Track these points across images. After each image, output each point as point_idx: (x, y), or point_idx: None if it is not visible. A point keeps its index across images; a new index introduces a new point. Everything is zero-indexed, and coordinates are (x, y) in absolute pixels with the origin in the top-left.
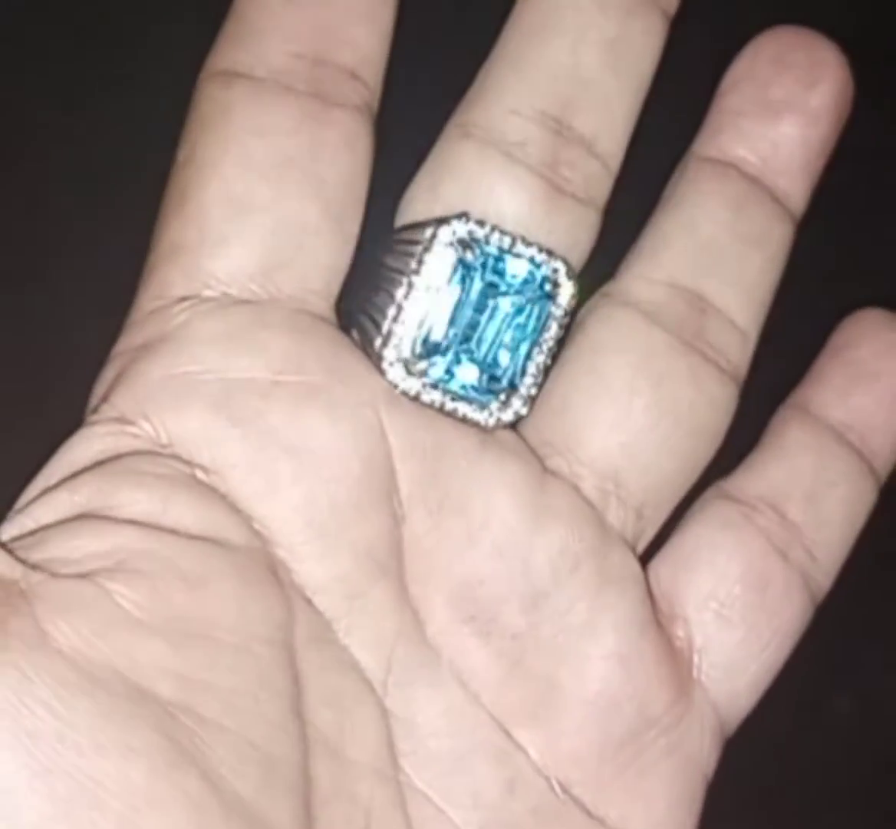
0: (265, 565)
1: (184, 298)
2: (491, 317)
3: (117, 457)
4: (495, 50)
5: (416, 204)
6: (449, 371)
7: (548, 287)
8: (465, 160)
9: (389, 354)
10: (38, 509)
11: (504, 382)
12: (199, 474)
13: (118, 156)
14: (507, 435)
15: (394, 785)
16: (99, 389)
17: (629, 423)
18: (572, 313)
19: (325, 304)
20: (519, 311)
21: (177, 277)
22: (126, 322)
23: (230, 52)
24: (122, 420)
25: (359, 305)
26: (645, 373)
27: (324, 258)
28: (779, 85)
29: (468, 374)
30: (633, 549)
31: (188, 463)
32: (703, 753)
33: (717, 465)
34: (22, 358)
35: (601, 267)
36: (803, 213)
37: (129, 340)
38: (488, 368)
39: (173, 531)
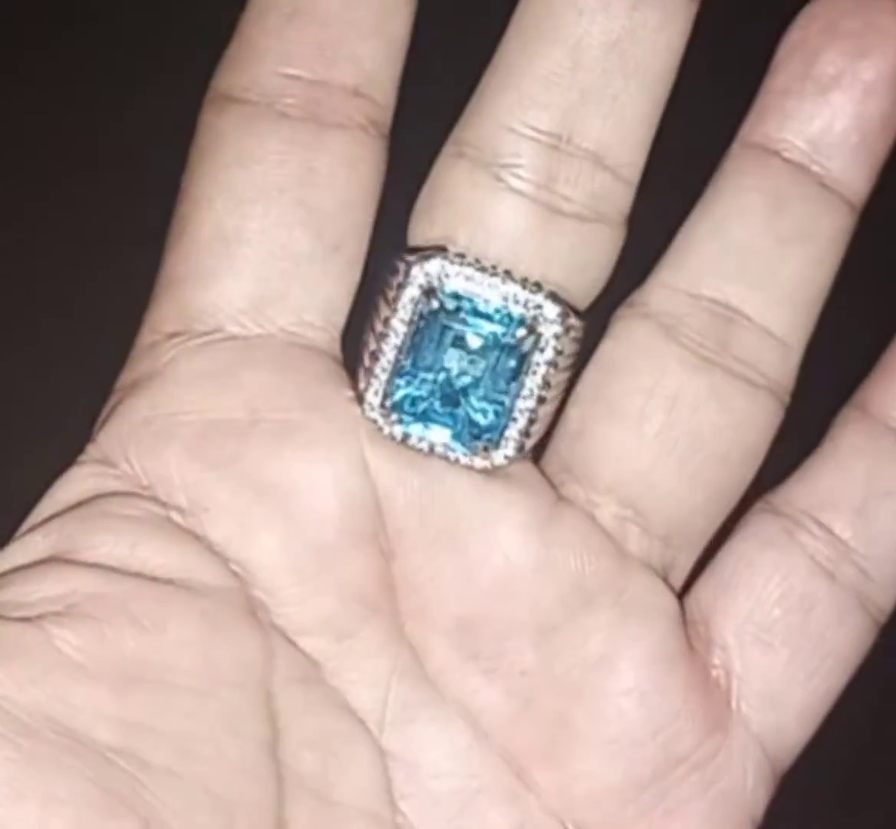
0: (239, 607)
1: (175, 334)
2: (464, 368)
3: (93, 499)
4: (493, 60)
5: (416, 227)
6: (424, 429)
7: (524, 331)
8: (457, 183)
9: (370, 398)
10: (14, 551)
11: (484, 437)
12: (175, 517)
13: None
14: (519, 467)
15: (390, 828)
16: (97, 425)
17: (642, 450)
18: (573, 344)
19: (324, 335)
20: (495, 359)
21: (170, 313)
22: (129, 356)
23: (228, 74)
24: (104, 462)
25: (360, 336)
26: (657, 395)
27: (320, 288)
28: (827, 58)
29: (440, 436)
30: (665, 578)
31: (164, 505)
32: (746, 791)
33: (771, 476)
34: (32, 381)
35: (636, 273)
36: (865, 197)
37: (125, 376)
38: (466, 424)
39: (138, 574)
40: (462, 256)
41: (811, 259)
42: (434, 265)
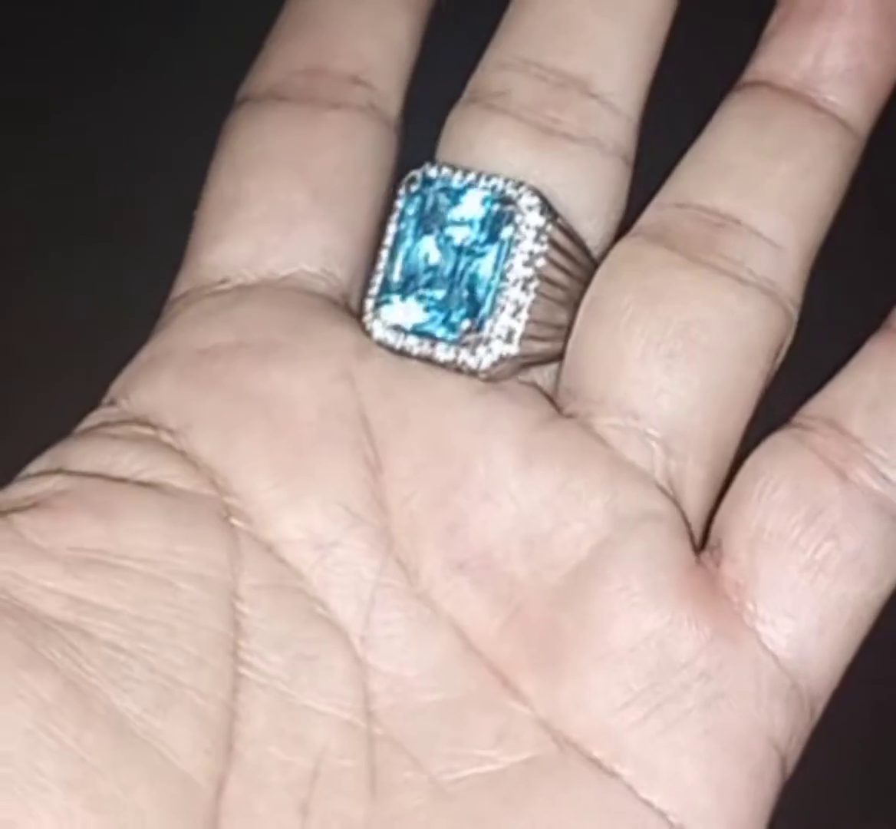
0: (209, 510)
1: (185, 294)
2: (449, 258)
3: (91, 428)
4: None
5: None
6: (403, 305)
7: (505, 218)
8: (452, 120)
9: (367, 303)
10: (23, 474)
11: (468, 317)
12: (164, 436)
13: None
14: (517, 386)
15: (361, 736)
16: None
17: (630, 349)
18: (557, 243)
19: (325, 283)
20: (479, 248)
21: (183, 277)
22: None
23: (244, 84)
24: (110, 403)
25: None
26: (642, 294)
27: (316, 241)
28: None
29: (432, 324)
30: (673, 487)
31: (154, 428)
32: (761, 710)
33: None
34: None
35: None
36: (865, 119)
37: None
38: (456, 309)
39: (112, 478)
40: (451, 164)
41: (797, 168)
42: (423, 169)
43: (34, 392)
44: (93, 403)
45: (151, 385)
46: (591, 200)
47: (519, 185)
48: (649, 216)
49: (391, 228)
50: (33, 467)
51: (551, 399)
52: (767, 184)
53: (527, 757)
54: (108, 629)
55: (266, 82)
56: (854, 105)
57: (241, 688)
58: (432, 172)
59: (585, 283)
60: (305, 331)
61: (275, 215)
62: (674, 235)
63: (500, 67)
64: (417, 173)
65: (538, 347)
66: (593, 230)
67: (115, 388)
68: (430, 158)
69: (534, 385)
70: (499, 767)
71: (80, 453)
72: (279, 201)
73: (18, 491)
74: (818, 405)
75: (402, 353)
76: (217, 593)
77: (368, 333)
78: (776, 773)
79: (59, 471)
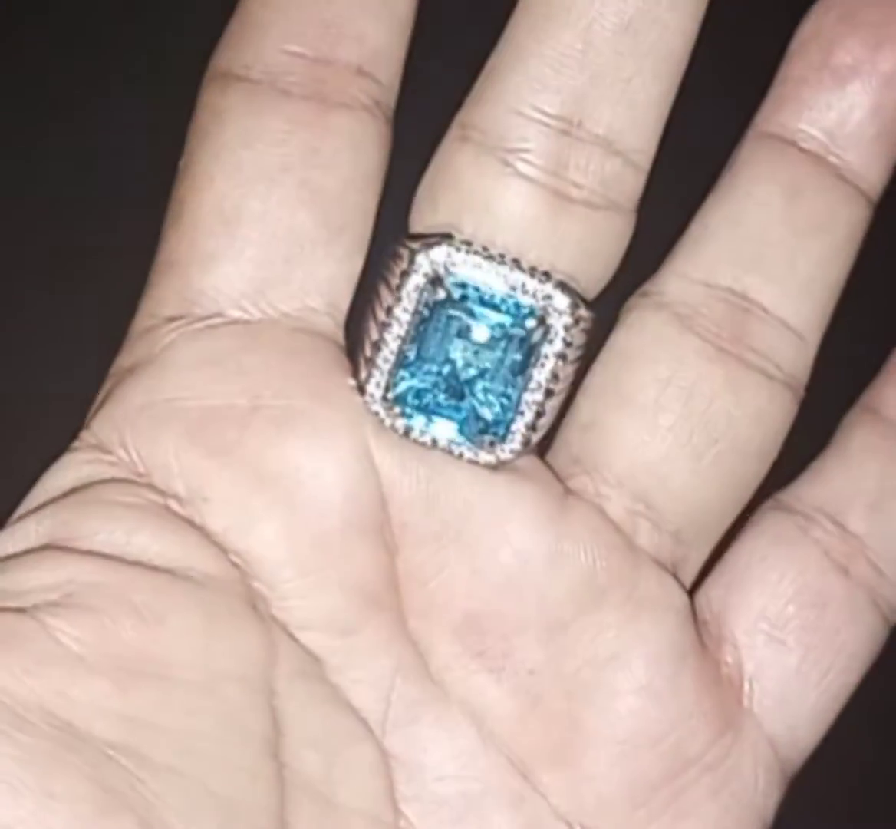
0: (241, 599)
1: (174, 318)
2: (470, 359)
3: (89, 485)
4: (500, 41)
5: (419, 213)
6: (427, 423)
7: (533, 322)
8: (462, 168)
9: (372, 390)
10: (6, 538)
11: (490, 431)
12: (173, 505)
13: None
14: (525, 461)
15: None
16: (91, 411)
17: (656, 441)
18: (582, 335)
19: (328, 320)
20: (503, 350)
21: (168, 296)
22: (124, 341)
23: (230, 51)
24: (99, 447)
25: (361, 323)
26: (672, 386)
27: (323, 272)
28: (845, 47)
29: (445, 429)
30: (674, 574)
31: (162, 493)
32: (756, 793)
33: (782, 475)
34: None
35: (647, 263)
36: (881, 191)
37: (121, 360)
38: (472, 418)
39: (136, 563)
40: (468, 243)
41: (828, 251)
42: (440, 253)
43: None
44: None
45: (155, 441)
46: (605, 265)
47: (548, 278)
48: (676, 290)
49: (401, 314)
50: (27, 533)
51: (550, 466)
52: (798, 268)
53: None
54: (162, 750)
55: (261, 63)
56: (877, 174)
57: (288, 794)
58: (455, 257)
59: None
60: (322, 396)
61: (280, 240)
62: (705, 321)
63: (515, 114)
64: (438, 258)
65: (547, 428)
66: (596, 287)
67: (104, 429)
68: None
69: (534, 455)
70: None
71: (89, 526)
72: (284, 223)
73: (33, 575)
74: (818, 496)
75: (414, 440)
76: (258, 693)
77: (376, 416)
78: None
79: (67, 547)
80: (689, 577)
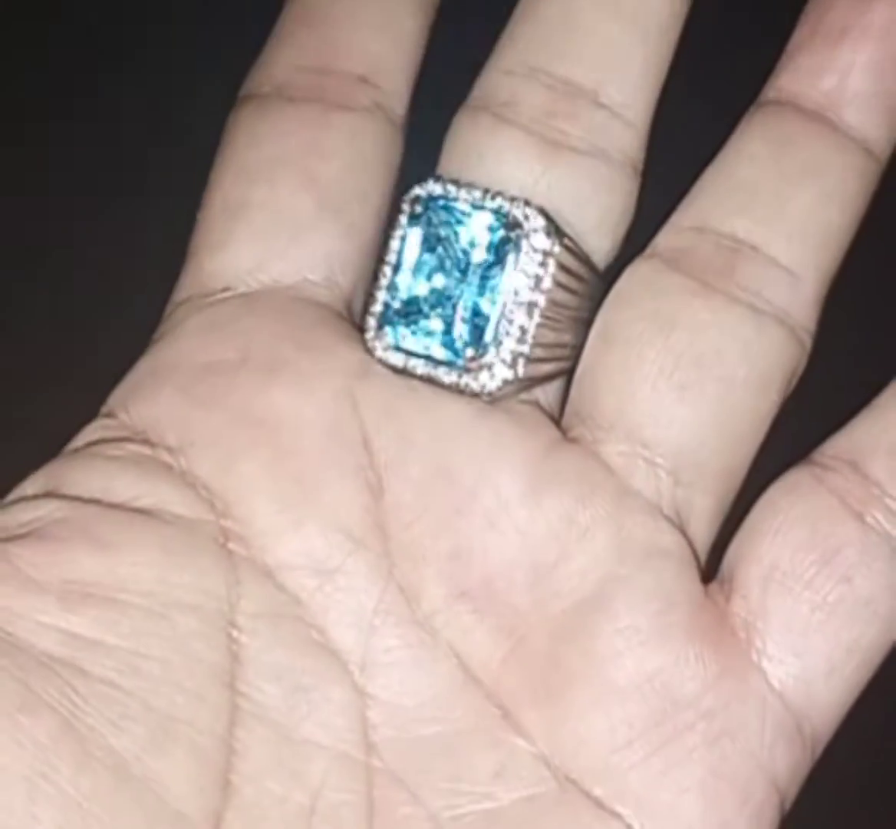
0: (206, 537)
1: (187, 299)
2: (454, 280)
3: (86, 445)
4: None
5: None
6: (410, 335)
7: (512, 241)
8: (458, 129)
9: (370, 321)
10: (16, 493)
11: (472, 344)
12: (163, 456)
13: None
14: (520, 406)
15: (359, 769)
16: None
17: (642, 377)
18: (564, 264)
19: (328, 292)
20: (485, 271)
21: (184, 282)
22: None
23: (248, 80)
24: (108, 415)
25: None
26: (655, 321)
27: (321, 248)
28: (835, 12)
29: (434, 347)
30: (675, 518)
31: (154, 446)
32: (762, 746)
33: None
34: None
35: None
36: (888, 147)
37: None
38: (456, 333)
39: (108, 505)
40: (456, 181)
41: (819, 195)
42: (427, 186)
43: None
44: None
45: (152, 399)
46: (598, 214)
47: (526, 205)
48: (666, 238)
49: (394, 246)
50: (29, 488)
51: (555, 420)
52: (788, 210)
53: (527, 795)
54: (105, 666)
55: (271, 80)
56: (877, 130)
57: (239, 722)
58: (437, 190)
59: (593, 299)
60: (309, 347)
61: (280, 222)
62: (691, 261)
63: (506, 74)
64: (421, 191)
65: (544, 368)
66: (600, 243)
67: (115, 398)
68: (434, 159)
69: (536, 405)
70: (499, 804)
71: (77, 476)
72: (285, 208)
73: (13, 516)
74: (839, 445)
75: (405, 372)
76: (214, 624)
77: (371, 352)
78: (775, 813)
79: (54, 495)
80: (701, 524)
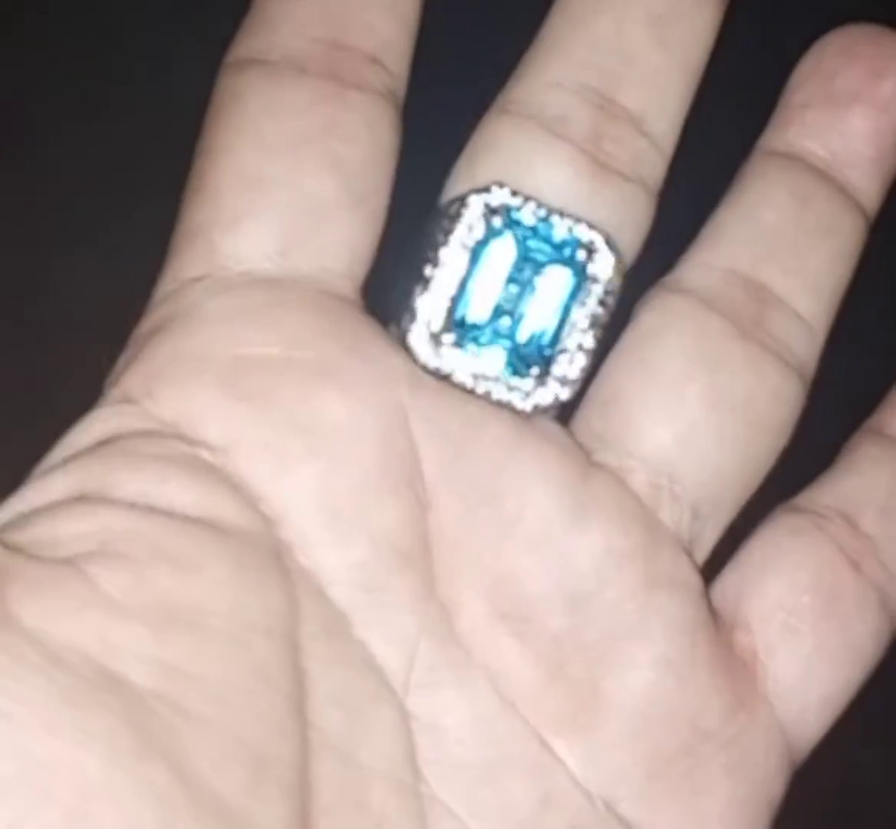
0: (268, 551)
1: (198, 279)
2: (521, 291)
3: (115, 438)
4: (539, 35)
5: (455, 184)
6: (476, 349)
7: (582, 257)
8: (503, 135)
9: (417, 329)
10: (31, 492)
11: (536, 362)
12: (204, 454)
13: (132, 153)
14: (550, 425)
15: (413, 795)
16: (112, 375)
17: (683, 411)
18: (617, 293)
19: (347, 284)
20: (552, 285)
21: (192, 259)
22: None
23: (246, 41)
24: (127, 401)
25: (394, 287)
26: (699, 358)
27: (344, 236)
28: (846, 76)
29: (495, 355)
30: (688, 551)
31: (192, 442)
32: (767, 775)
33: (788, 487)
34: (32, 353)
35: (661, 263)
36: (876, 211)
37: (142, 326)
38: (519, 347)
39: (167, 513)
40: (517, 192)
41: (835, 253)
42: (494, 195)
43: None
44: None
45: (184, 390)
46: (631, 239)
47: (594, 228)
48: (698, 276)
49: (454, 248)
50: (55, 487)
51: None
52: (809, 264)
53: (569, 824)
54: (195, 698)
55: (281, 46)
56: (873, 193)
57: (311, 751)
58: (512, 201)
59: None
60: (356, 351)
61: (303, 204)
62: (727, 305)
63: (555, 87)
64: (494, 200)
65: (576, 388)
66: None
67: (132, 382)
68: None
69: (560, 424)
70: None
71: (120, 477)
72: (308, 188)
73: (64, 525)
74: (831, 496)
75: (453, 383)
76: (283, 647)
77: (416, 359)
78: (767, 825)
79: (99, 499)
80: (701, 556)
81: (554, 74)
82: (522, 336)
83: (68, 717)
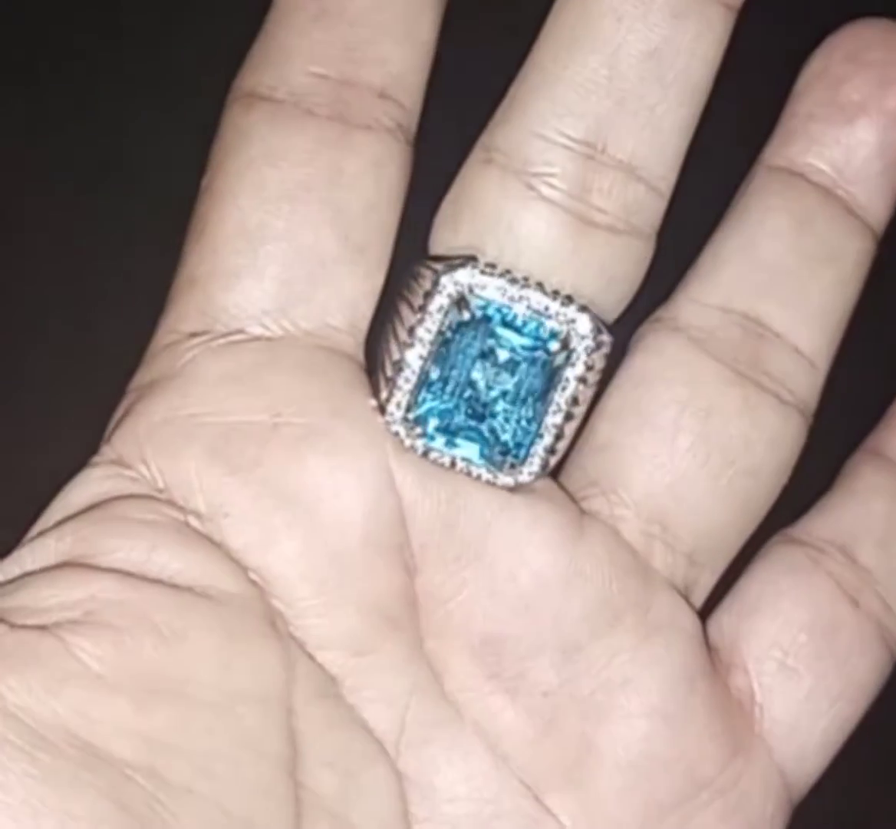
0: (260, 617)
1: (196, 334)
2: (492, 381)
3: (108, 502)
4: (525, 65)
5: (440, 234)
6: (449, 444)
7: (556, 345)
8: (486, 190)
9: (393, 410)
10: (25, 555)
11: (510, 454)
12: (193, 522)
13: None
14: (543, 481)
15: None
16: (110, 426)
17: (674, 462)
18: (598, 371)
19: (349, 339)
20: (525, 373)
21: (190, 312)
22: (144, 356)
23: (254, 73)
24: (119, 463)
25: (379, 342)
26: (691, 407)
27: (345, 291)
28: (852, 85)
29: (468, 451)
30: (686, 596)
31: (182, 510)
32: (765, 818)
33: (787, 512)
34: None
35: (658, 289)
36: (885, 225)
37: (141, 376)
38: (492, 439)
39: (156, 581)
40: (492, 266)
41: (837, 280)
42: (464, 274)
43: None
44: None
45: (175, 457)
46: (622, 292)
47: (571, 302)
48: (691, 315)
49: (424, 334)
50: (46, 550)
51: (564, 487)
52: (810, 295)
53: None
54: (180, 771)
55: (285, 84)
56: (881, 208)
57: (304, 814)
58: (485, 282)
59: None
60: (343, 414)
61: (303, 259)
62: (720, 345)
63: (539, 138)
64: (459, 284)
65: (562, 455)
66: (616, 314)
67: (126, 443)
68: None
69: (551, 478)
70: None
71: (111, 544)
72: (307, 242)
73: (54, 593)
74: (828, 527)
75: (433, 461)
76: (275, 713)
77: (396, 436)
78: None
79: (88, 565)
80: (699, 600)
81: (539, 121)
82: (495, 428)
83: (53, 799)
